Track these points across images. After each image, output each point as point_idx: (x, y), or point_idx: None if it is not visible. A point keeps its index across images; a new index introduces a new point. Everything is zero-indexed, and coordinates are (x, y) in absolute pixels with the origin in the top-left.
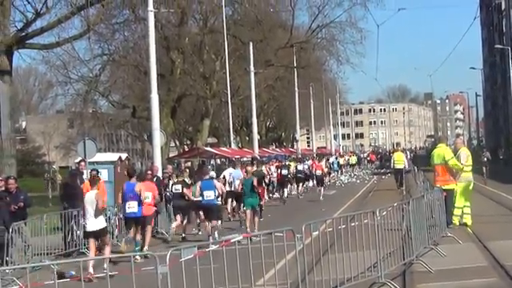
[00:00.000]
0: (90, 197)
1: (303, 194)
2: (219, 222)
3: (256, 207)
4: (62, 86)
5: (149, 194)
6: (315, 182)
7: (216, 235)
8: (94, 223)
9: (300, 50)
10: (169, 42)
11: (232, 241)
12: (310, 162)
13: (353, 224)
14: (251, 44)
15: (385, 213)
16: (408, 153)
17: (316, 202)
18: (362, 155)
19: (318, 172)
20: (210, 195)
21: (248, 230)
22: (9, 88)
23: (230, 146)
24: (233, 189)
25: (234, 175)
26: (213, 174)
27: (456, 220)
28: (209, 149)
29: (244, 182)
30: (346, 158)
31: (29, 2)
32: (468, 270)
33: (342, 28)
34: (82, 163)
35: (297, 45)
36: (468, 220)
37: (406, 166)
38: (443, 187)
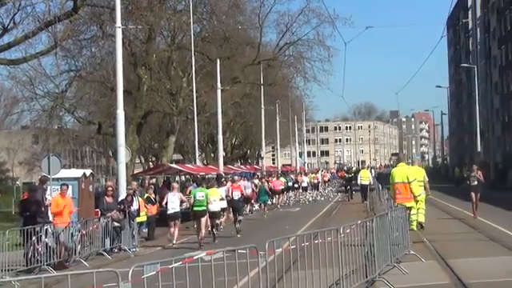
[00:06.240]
0: None
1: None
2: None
3: (267, 202)
4: (27, 102)
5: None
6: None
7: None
8: None
9: (267, 67)
10: (136, 58)
11: (195, 258)
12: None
13: (316, 241)
14: (219, 61)
15: (348, 230)
16: (373, 171)
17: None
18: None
19: (315, 181)
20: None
21: (265, 216)
22: None
23: (195, 162)
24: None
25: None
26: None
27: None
28: (174, 165)
29: (260, 187)
30: (320, 174)
31: None
32: None
33: (309, 46)
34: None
35: (264, 62)
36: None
37: (371, 182)
38: (405, 204)
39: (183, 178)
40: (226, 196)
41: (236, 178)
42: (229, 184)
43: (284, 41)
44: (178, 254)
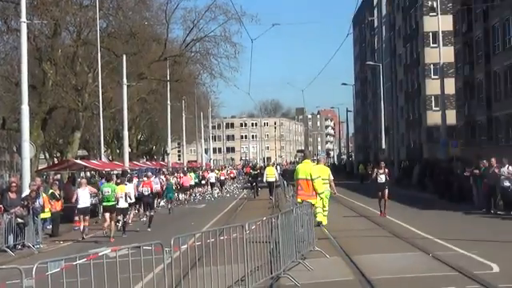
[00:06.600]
0: None
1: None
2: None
3: (173, 198)
4: None
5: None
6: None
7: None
8: None
9: (174, 63)
10: (41, 53)
11: (100, 254)
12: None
13: (222, 238)
14: (125, 57)
15: (254, 227)
16: (279, 168)
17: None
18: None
19: (222, 177)
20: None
21: (170, 212)
22: None
23: (101, 158)
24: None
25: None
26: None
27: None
28: (79, 161)
29: (167, 184)
30: (226, 171)
31: None
32: (334, 284)
33: (216, 42)
34: None
35: (170, 58)
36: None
37: (277, 179)
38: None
39: (88, 173)
40: (138, 192)
41: (149, 174)
42: (135, 180)
43: (191, 37)
44: (87, 249)
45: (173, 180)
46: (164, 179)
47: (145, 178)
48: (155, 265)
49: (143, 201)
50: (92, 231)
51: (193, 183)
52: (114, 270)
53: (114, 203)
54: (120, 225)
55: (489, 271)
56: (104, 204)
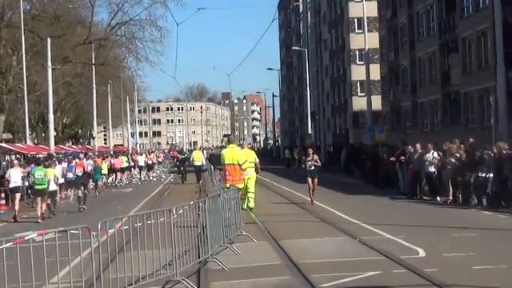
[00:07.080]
0: None
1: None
2: None
3: (99, 181)
4: None
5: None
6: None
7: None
8: None
9: (99, 46)
10: None
11: (26, 238)
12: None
13: (149, 222)
14: (49, 40)
15: (181, 211)
16: (205, 152)
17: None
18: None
19: (150, 161)
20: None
21: (98, 194)
22: None
23: (26, 142)
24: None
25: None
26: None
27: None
28: (4, 145)
29: (94, 166)
30: (154, 155)
31: None
32: (262, 268)
33: (141, 26)
34: None
35: (96, 41)
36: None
37: (204, 164)
38: (235, 186)
39: (13, 157)
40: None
41: (81, 156)
42: (64, 164)
43: (116, 21)
44: (14, 232)
45: (105, 163)
46: (92, 162)
47: (77, 160)
48: (82, 249)
49: (77, 181)
50: (22, 212)
51: (124, 166)
52: (41, 254)
53: (45, 186)
54: (45, 207)
55: (415, 256)
56: (36, 187)
